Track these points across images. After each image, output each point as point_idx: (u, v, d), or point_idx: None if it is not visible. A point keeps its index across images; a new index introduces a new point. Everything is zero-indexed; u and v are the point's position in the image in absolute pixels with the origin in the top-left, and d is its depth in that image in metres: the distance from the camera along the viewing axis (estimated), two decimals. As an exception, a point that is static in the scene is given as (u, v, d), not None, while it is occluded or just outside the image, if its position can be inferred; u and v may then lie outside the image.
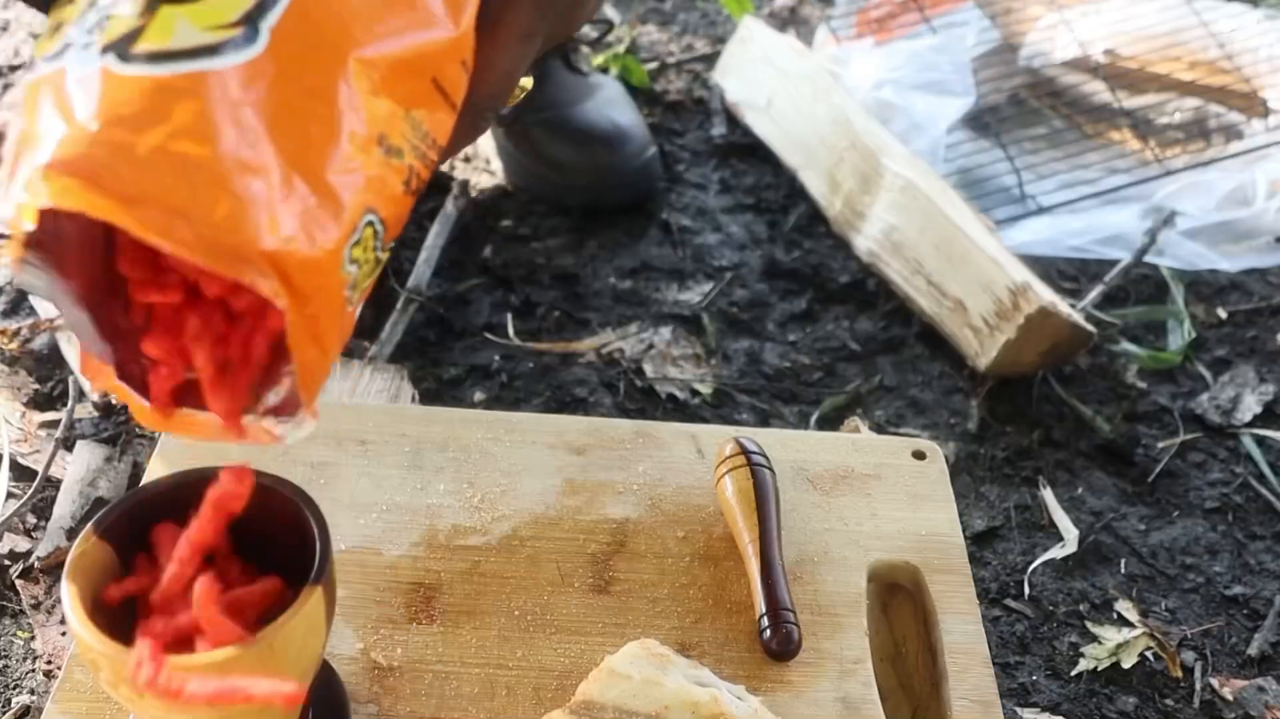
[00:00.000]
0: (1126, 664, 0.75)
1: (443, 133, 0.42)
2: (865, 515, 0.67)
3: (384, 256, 0.41)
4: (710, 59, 1.31)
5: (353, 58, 0.38)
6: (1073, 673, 0.74)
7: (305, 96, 0.36)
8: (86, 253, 0.39)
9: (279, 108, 0.35)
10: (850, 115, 1.08)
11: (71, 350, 0.90)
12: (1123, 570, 0.82)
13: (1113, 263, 1.06)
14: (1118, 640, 0.76)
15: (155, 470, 0.65)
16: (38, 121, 0.34)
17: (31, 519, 0.77)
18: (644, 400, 0.91)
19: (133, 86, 0.34)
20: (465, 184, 1.08)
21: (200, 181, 0.34)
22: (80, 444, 0.82)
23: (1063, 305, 0.90)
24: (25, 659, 0.70)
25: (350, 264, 0.37)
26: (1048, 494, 0.86)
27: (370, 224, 0.38)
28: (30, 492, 0.77)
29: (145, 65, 0.34)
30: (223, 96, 0.34)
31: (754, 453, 0.65)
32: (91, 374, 0.42)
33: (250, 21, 0.35)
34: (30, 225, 0.34)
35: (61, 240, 0.37)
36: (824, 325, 1.00)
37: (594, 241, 1.07)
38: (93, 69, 0.34)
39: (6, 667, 0.69)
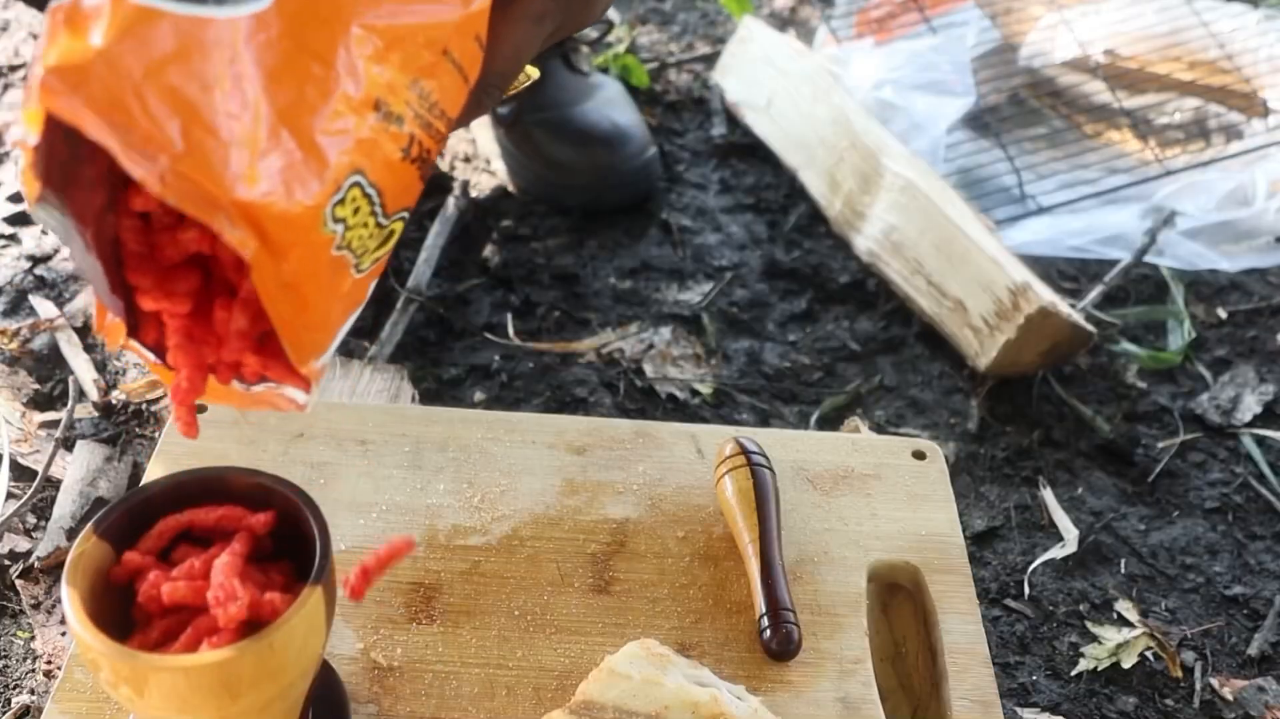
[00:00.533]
0: (1126, 664, 0.75)
1: (454, 105, 0.42)
2: (865, 515, 0.67)
3: (394, 226, 0.41)
4: (710, 59, 1.31)
5: (357, 23, 0.38)
6: (1073, 673, 0.74)
7: (304, 55, 0.37)
8: (101, 205, 0.39)
9: (277, 62, 0.36)
10: (850, 115, 1.08)
11: (72, 349, 0.90)
12: (1123, 570, 0.82)
13: (1113, 263, 1.06)
14: (1118, 640, 0.76)
15: (155, 470, 0.65)
16: (49, 42, 0.35)
17: (31, 519, 0.77)
18: (644, 400, 0.91)
19: (141, 16, 0.35)
20: (465, 184, 1.08)
21: (189, 120, 0.34)
22: (80, 444, 0.82)
23: (1063, 305, 0.90)
24: (25, 659, 0.70)
25: (334, 223, 0.38)
26: (1048, 494, 0.86)
27: (357, 185, 0.38)
28: (30, 492, 0.77)
29: (158, 0, 0.35)
30: (227, 44, 0.35)
31: (754, 453, 0.65)
32: (106, 332, 0.42)
33: None
34: (35, 137, 0.34)
35: (79, 186, 0.38)
36: (824, 325, 1.00)
37: (594, 241, 1.07)
38: None
39: (6, 667, 0.69)
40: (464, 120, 0.46)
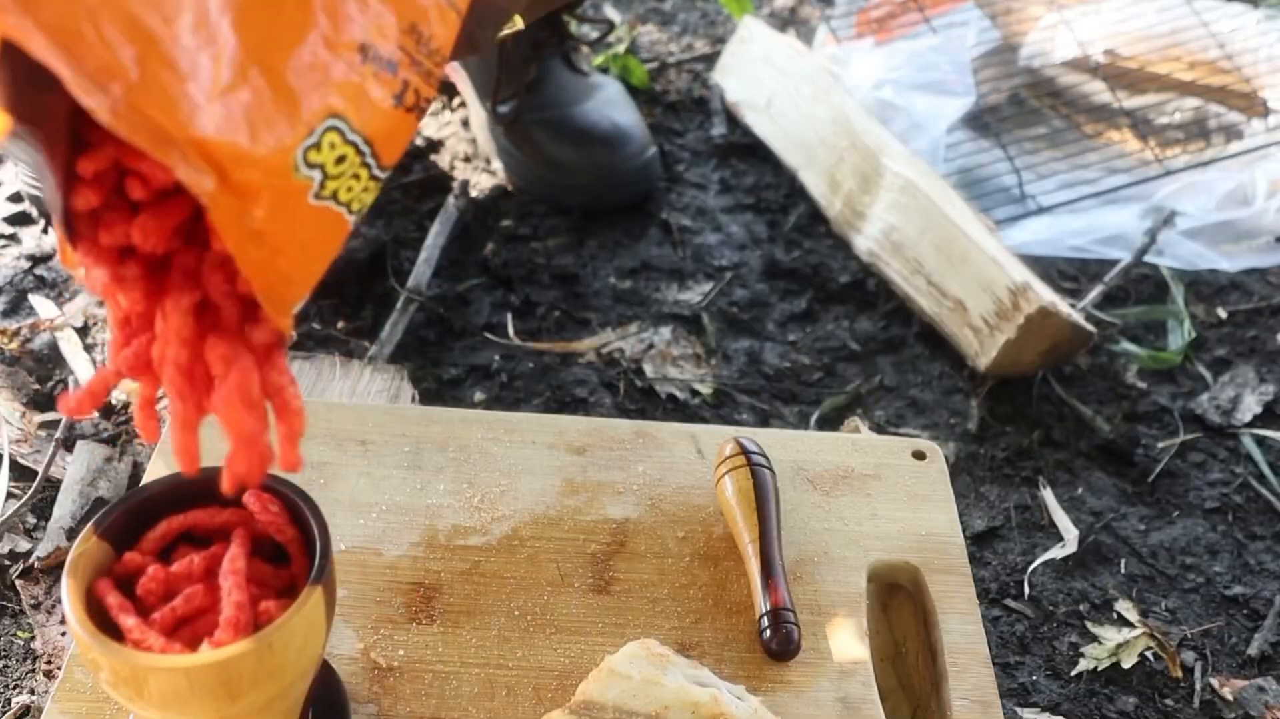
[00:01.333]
0: (1126, 664, 0.75)
1: (447, 41, 0.41)
2: (865, 515, 0.67)
3: (380, 175, 0.39)
4: (710, 59, 1.31)
5: None
6: (1073, 673, 0.74)
7: None
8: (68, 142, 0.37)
9: None
10: (850, 115, 1.08)
11: (72, 349, 0.90)
12: (1123, 570, 0.82)
13: (1113, 263, 1.06)
14: (1118, 640, 0.76)
15: (155, 470, 0.65)
16: None
17: (31, 519, 0.77)
18: (644, 400, 0.91)
19: None
20: (465, 184, 1.08)
21: (146, 50, 0.33)
22: (80, 444, 0.82)
23: (1063, 305, 0.90)
24: (25, 659, 0.70)
25: (307, 168, 0.36)
26: (1048, 494, 0.86)
27: (335, 130, 0.36)
28: (30, 492, 0.77)
29: None
30: None
31: (754, 453, 0.65)
32: (71, 265, 0.41)
33: None
34: None
35: (51, 121, 0.36)
36: (824, 325, 1.00)
37: (594, 241, 1.07)
38: None
39: (6, 667, 0.69)
40: (453, 56, 0.45)
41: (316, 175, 0.36)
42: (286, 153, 0.35)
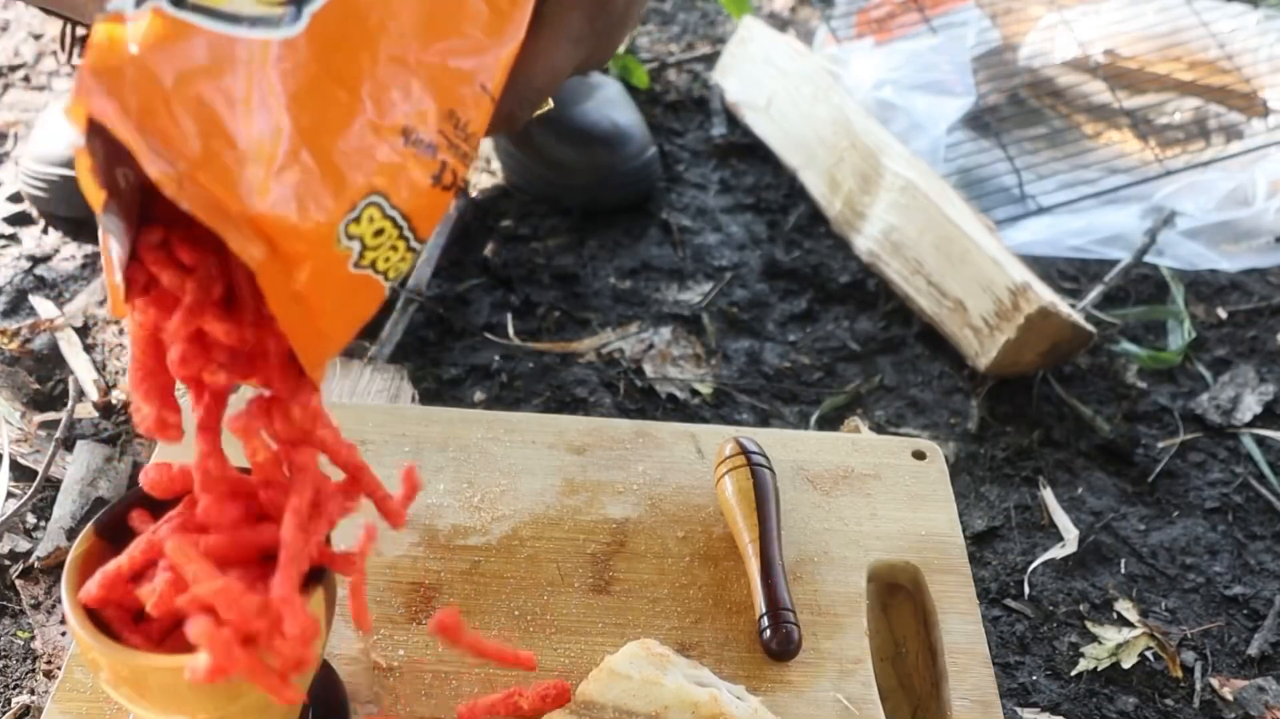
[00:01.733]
0: (1126, 664, 0.75)
1: (482, 126, 0.44)
2: (865, 515, 0.67)
3: (417, 246, 0.43)
4: (710, 59, 1.31)
5: (388, 55, 0.40)
6: (1073, 673, 0.74)
7: (329, 80, 0.39)
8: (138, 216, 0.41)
9: (302, 86, 0.38)
10: (850, 115, 1.08)
11: (72, 349, 0.90)
12: (1123, 570, 0.82)
13: (1113, 263, 1.06)
14: (1118, 640, 0.76)
15: (155, 470, 0.65)
16: (91, 47, 0.37)
17: (31, 519, 0.77)
18: (644, 400, 0.91)
19: (176, 29, 0.36)
20: (465, 184, 1.08)
21: (210, 131, 0.36)
22: (80, 444, 0.82)
23: (1063, 305, 0.90)
24: (25, 659, 0.70)
25: (348, 239, 0.39)
26: (1048, 494, 0.86)
27: (375, 205, 0.40)
28: (30, 492, 0.77)
29: (193, 15, 0.37)
30: (255, 64, 0.37)
31: (754, 453, 0.65)
32: (120, 314, 0.44)
33: (297, 3, 0.38)
34: (82, 136, 0.36)
35: (124, 194, 0.39)
36: (824, 325, 1.00)
37: (594, 241, 1.07)
38: (146, 7, 0.37)
39: (6, 667, 0.69)
40: (488, 133, 0.47)
41: (356, 246, 0.40)
42: (331, 226, 0.39)
